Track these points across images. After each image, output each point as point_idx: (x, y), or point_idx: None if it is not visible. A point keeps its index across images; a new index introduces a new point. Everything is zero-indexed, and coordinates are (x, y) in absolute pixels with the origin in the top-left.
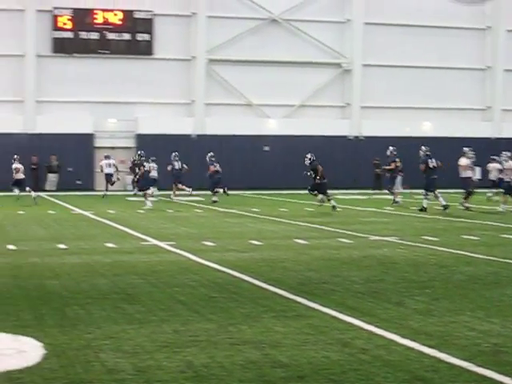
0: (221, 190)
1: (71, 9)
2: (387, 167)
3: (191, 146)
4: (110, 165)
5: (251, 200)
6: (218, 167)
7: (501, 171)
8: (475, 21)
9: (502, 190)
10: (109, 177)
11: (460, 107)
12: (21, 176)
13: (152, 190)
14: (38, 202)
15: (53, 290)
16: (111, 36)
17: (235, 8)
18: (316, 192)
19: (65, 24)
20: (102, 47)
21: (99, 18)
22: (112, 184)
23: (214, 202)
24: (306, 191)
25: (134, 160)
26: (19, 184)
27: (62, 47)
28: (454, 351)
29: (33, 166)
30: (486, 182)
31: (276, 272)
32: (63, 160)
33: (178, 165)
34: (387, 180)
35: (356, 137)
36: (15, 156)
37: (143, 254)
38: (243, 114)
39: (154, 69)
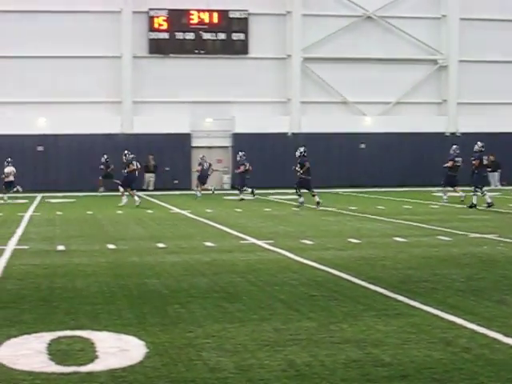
0: (249, 190)
1: (167, 10)
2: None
3: (287, 145)
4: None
5: (348, 198)
6: (248, 166)
7: None
8: None
9: None
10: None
11: None
12: (11, 179)
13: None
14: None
15: (153, 289)
16: (207, 36)
17: (330, 6)
18: (300, 193)
19: (161, 25)
20: (197, 47)
21: (195, 19)
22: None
23: (241, 200)
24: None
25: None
26: (8, 186)
27: (158, 48)
28: None
29: None
30: None
31: (375, 270)
32: (160, 160)
33: (206, 165)
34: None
35: (453, 133)
36: (8, 159)
37: (242, 252)
38: (339, 112)
39: (249, 68)
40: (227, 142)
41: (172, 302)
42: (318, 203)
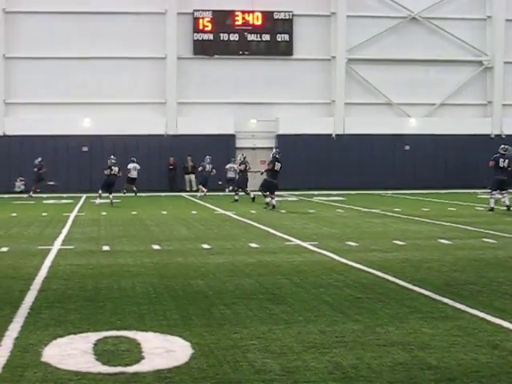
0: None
1: (211, 11)
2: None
3: (331, 146)
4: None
5: (392, 200)
6: (248, 167)
7: None
8: None
9: None
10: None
11: None
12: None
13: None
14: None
15: (198, 290)
16: (251, 37)
17: (375, 7)
18: (268, 193)
19: (205, 26)
20: (241, 48)
21: (239, 20)
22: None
23: (236, 201)
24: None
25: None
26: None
27: (202, 49)
28: None
29: (170, 167)
30: None
31: (421, 272)
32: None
33: (208, 167)
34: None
35: (498, 135)
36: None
37: (287, 253)
38: (383, 114)
39: (293, 69)
40: (271, 143)
41: (217, 303)
42: (273, 207)
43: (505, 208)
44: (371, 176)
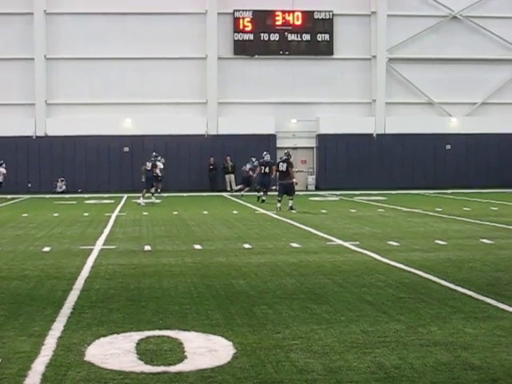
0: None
1: (252, 11)
2: None
3: (372, 146)
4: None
5: (434, 199)
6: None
7: None
8: None
9: None
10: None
11: None
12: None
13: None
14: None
15: (240, 290)
16: (291, 37)
17: (415, 6)
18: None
19: (245, 26)
20: (282, 48)
21: (279, 20)
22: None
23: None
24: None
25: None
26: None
27: (242, 49)
28: None
29: (210, 167)
30: None
31: (463, 272)
32: (245, 161)
33: (246, 167)
34: None
35: None
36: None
37: (328, 253)
38: (424, 113)
39: (334, 69)
40: (312, 143)
41: (259, 303)
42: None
43: None
44: (412, 176)
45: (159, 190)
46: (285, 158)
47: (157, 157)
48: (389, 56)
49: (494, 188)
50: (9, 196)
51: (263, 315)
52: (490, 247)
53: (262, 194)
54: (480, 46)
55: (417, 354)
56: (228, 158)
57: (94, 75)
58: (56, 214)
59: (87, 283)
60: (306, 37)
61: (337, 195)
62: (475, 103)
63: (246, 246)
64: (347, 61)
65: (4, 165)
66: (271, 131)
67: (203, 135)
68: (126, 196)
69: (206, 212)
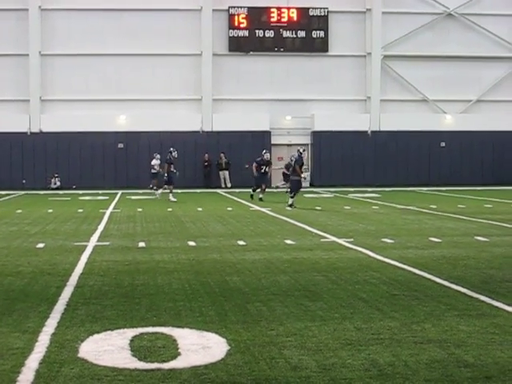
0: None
1: (247, 7)
2: None
3: (366, 143)
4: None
5: (428, 196)
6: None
7: None
8: None
9: None
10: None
11: None
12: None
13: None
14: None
15: (234, 287)
16: (286, 34)
17: (410, 3)
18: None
19: (240, 23)
20: (277, 45)
21: (274, 16)
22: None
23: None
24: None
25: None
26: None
27: (237, 46)
28: None
29: (205, 164)
30: None
31: (457, 270)
32: (239, 157)
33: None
34: None
35: None
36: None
37: (323, 250)
38: (419, 110)
39: (328, 66)
40: (307, 140)
41: (253, 300)
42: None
43: None
44: (406, 173)
45: (155, 187)
46: (297, 155)
47: (171, 153)
48: (384, 53)
49: (489, 185)
50: (3, 192)
51: (257, 312)
52: (484, 245)
53: (258, 191)
54: (475, 44)
55: (410, 351)
56: (222, 154)
57: (89, 71)
58: (50, 211)
59: (81, 280)
60: (301, 34)
61: (331, 192)
62: (470, 101)
63: (241, 242)
64: (342, 58)
65: None
66: (266, 128)
67: (198, 132)
68: (120, 192)
69: (200, 209)
